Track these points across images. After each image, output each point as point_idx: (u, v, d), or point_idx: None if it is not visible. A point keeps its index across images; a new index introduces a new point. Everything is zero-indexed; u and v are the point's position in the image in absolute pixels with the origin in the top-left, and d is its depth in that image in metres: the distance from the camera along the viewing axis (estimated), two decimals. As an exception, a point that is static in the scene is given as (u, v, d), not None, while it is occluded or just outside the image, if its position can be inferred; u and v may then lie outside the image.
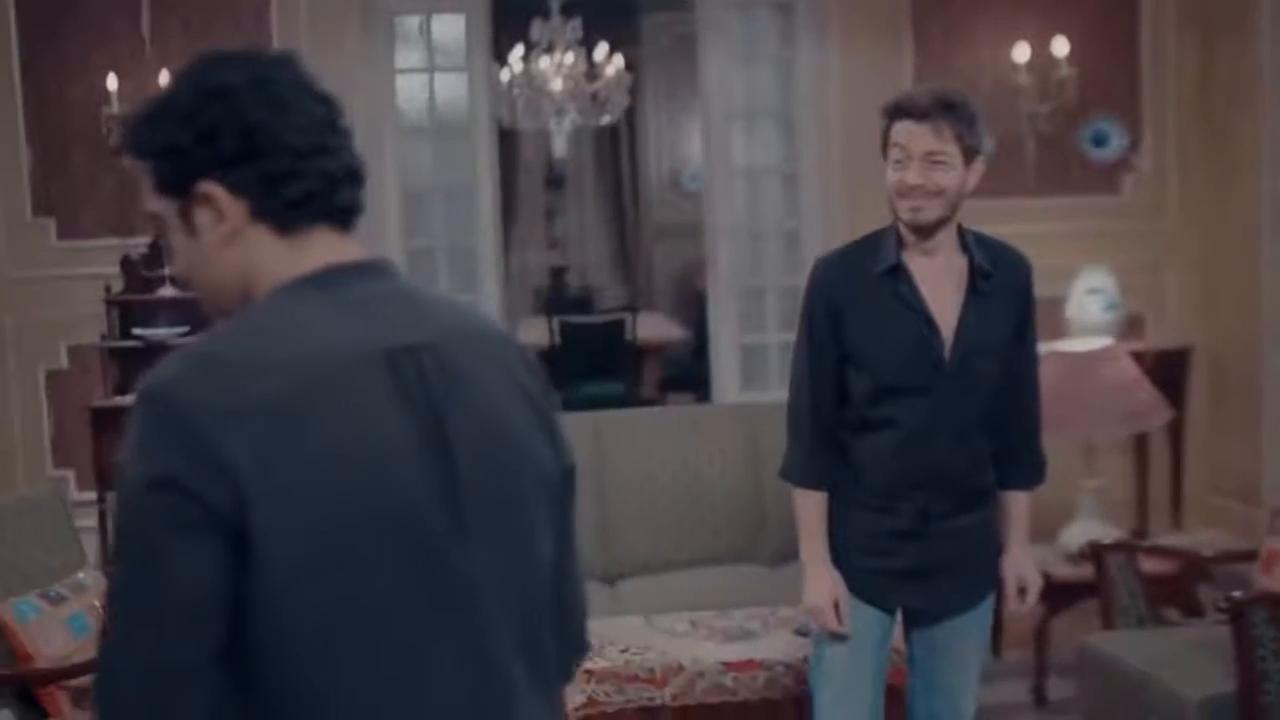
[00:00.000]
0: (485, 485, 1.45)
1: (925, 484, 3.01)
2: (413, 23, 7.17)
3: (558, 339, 9.68)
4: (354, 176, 1.52)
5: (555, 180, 14.01)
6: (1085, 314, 6.64)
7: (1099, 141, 7.12)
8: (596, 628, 3.97)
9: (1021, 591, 3.19)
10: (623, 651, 3.86)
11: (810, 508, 3.10)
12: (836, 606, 3.06)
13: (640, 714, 3.76)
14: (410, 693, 1.38)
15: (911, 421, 2.99)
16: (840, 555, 3.09)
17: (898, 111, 2.98)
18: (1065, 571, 4.82)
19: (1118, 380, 4.77)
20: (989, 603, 3.17)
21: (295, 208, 1.47)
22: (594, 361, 9.54)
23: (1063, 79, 6.75)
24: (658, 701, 3.76)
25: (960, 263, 3.05)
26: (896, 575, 3.07)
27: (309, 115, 1.48)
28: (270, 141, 1.44)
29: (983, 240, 3.11)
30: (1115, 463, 6.72)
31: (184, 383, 1.35)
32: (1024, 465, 3.19)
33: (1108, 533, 4.71)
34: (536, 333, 10.32)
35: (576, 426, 5.36)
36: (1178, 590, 4.62)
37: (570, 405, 8.31)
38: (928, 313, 2.99)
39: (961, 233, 3.07)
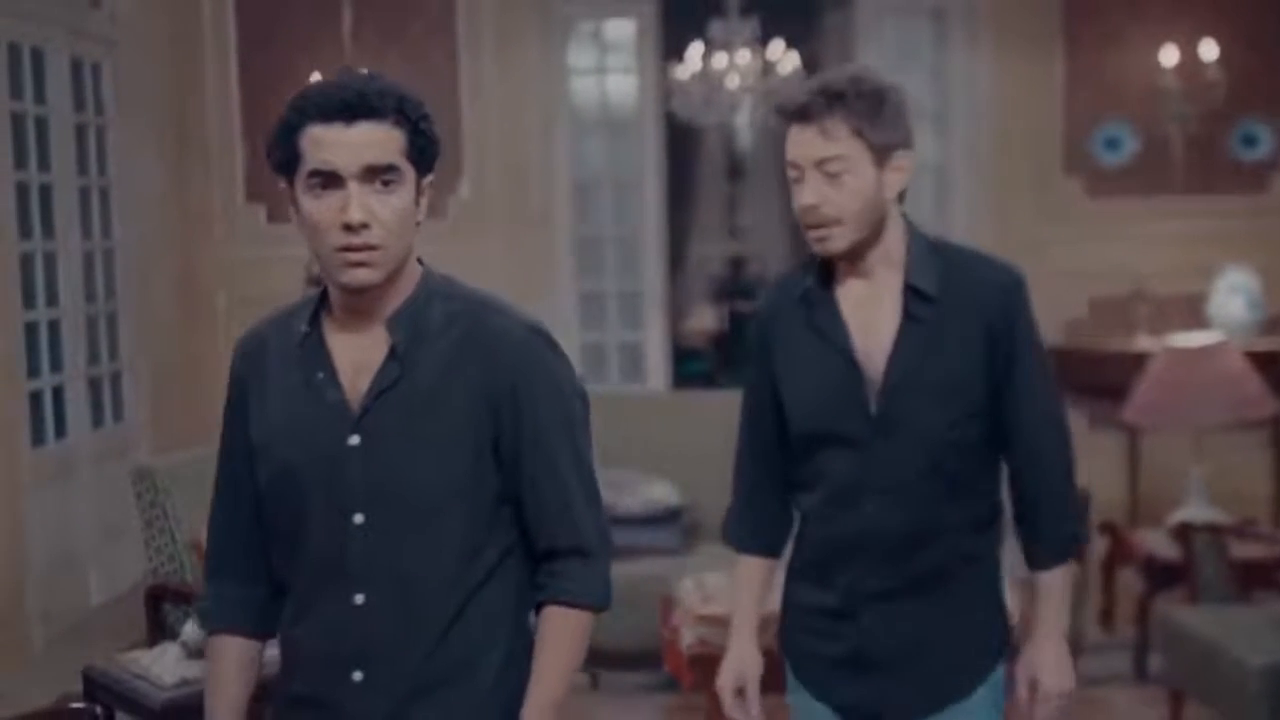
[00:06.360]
0: None
1: (852, 554, 2.42)
2: (588, 26, 7.70)
3: (727, 325, 10.13)
4: None
5: (737, 172, 14.42)
6: (1226, 311, 6.83)
7: (1249, 142, 7.25)
8: (716, 581, 4.44)
9: (1033, 694, 2.46)
10: (733, 601, 4.28)
11: (743, 574, 2.65)
12: (745, 691, 2.61)
13: (745, 656, 4.18)
14: None
15: (837, 478, 2.41)
16: (786, 632, 2.62)
17: (780, 115, 2.36)
18: (1168, 553, 5.06)
19: (1225, 373, 5.01)
20: (976, 713, 2.46)
21: None
22: (759, 346, 9.95)
23: (1211, 82, 6.92)
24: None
25: (900, 283, 2.40)
26: (831, 663, 2.50)
27: None
28: None
29: (939, 252, 2.41)
30: (1263, 458, 6.90)
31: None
32: (1042, 539, 2.46)
33: (1210, 516, 4.95)
34: (707, 319, 10.78)
35: (720, 404, 5.86)
36: (1275, 574, 4.85)
37: (738, 385, 8.74)
38: (849, 346, 2.38)
39: (909, 245, 2.40)
